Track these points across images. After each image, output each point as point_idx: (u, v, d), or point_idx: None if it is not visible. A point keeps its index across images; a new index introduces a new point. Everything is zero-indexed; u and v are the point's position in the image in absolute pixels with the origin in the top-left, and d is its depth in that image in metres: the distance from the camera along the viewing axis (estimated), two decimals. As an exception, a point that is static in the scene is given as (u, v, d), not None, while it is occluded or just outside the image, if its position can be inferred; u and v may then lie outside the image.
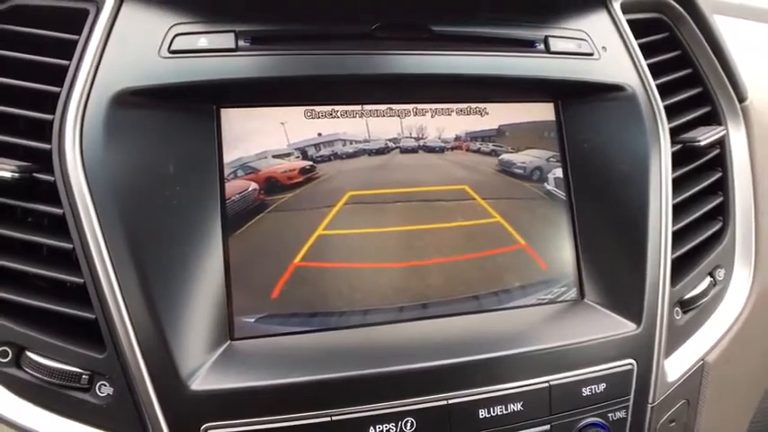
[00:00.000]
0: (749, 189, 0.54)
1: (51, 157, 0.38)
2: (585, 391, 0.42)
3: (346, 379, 0.38)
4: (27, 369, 0.37)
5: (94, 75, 0.38)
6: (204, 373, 0.37)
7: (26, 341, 0.37)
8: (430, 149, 0.45)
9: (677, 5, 0.53)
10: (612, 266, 0.46)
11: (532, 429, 0.41)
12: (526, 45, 0.46)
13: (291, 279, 0.41)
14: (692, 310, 0.48)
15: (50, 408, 0.37)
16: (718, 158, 0.54)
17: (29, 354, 0.37)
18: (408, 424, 0.38)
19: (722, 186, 0.53)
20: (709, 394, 0.47)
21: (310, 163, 0.43)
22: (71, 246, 0.37)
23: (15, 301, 0.37)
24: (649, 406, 0.44)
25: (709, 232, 0.51)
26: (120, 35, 0.39)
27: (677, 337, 0.47)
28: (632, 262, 0.45)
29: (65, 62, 0.39)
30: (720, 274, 0.51)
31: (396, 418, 0.38)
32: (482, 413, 0.39)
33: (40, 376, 0.37)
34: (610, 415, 0.42)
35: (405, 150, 0.44)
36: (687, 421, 0.46)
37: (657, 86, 0.49)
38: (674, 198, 0.47)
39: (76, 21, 0.40)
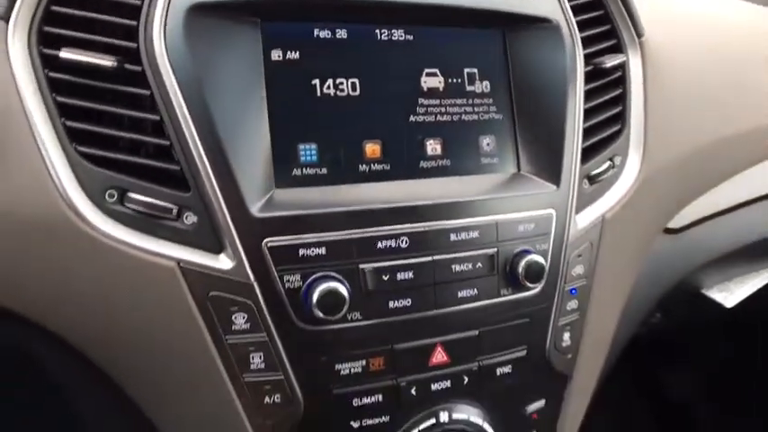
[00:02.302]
0: (641, 102, 0.72)
1: (138, 53, 0.51)
2: (521, 228, 0.60)
3: (362, 210, 0.54)
4: (129, 205, 0.50)
5: None
6: (262, 206, 0.52)
7: (128, 185, 0.50)
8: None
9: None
10: (540, 150, 0.64)
11: (485, 251, 0.58)
12: None
13: (318, 148, 0.57)
14: (596, 183, 0.66)
15: (149, 232, 0.50)
16: (620, 79, 0.72)
17: (130, 194, 0.49)
18: (404, 241, 0.55)
19: (622, 99, 0.72)
20: (606, 240, 0.66)
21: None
22: (158, 117, 0.51)
23: (119, 159, 0.50)
24: (564, 243, 0.63)
25: (611, 131, 0.69)
26: None
27: (585, 200, 0.65)
28: (554, 147, 0.63)
29: None
30: (618, 160, 0.69)
31: (395, 236, 0.55)
32: (452, 236, 0.57)
33: (139, 209, 0.50)
34: (537, 245, 0.60)
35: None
36: (590, 258, 0.65)
37: (577, 22, 0.66)
38: (585, 105, 0.66)
39: None
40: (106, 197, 0.50)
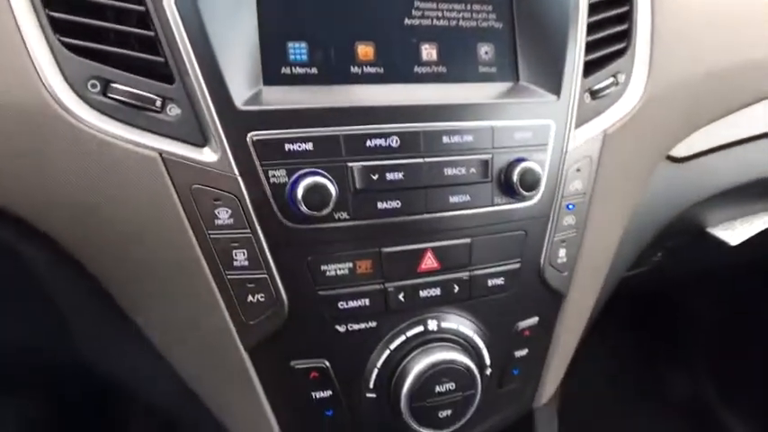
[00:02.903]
0: (648, 21, 0.69)
1: None
2: (517, 135, 0.58)
3: (351, 107, 0.52)
4: (112, 95, 0.48)
5: None
6: (247, 99, 0.50)
7: (112, 76, 0.48)
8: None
9: None
10: (541, 61, 0.61)
11: (479, 156, 0.56)
12: None
13: (306, 45, 0.55)
14: (598, 98, 0.64)
15: (131, 123, 0.49)
16: None
17: (113, 85, 0.48)
18: (394, 140, 0.54)
19: (628, 17, 0.69)
20: (607, 156, 0.63)
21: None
22: (143, 8, 0.49)
23: (103, 50, 0.48)
24: (562, 155, 0.61)
25: (615, 48, 0.67)
26: None
27: (586, 114, 0.63)
28: (555, 58, 0.61)
29: None
30: (622, 77, 0.67)
31: (385, 135, 0.53)
32: (445, 138, 0.55)
33: (122, 99, 0.48)
34: (534, 155, 0.59)
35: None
36: (589, 173, 0.63)
37: None
38: (589, 18, 0.63)
39: None
40: (89, 87, 0.49)
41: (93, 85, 0.49)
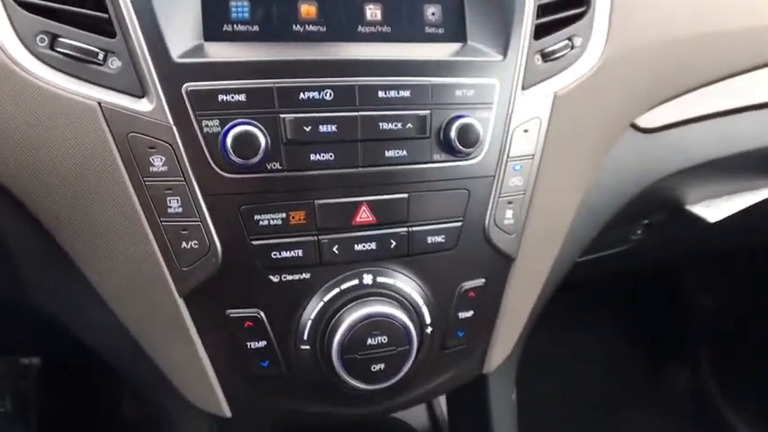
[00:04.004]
0: None
1: None
2: (458, 93, 0.58)
3: (285, 60, 0.53)
4: (58, 49, 0.51)
5: None
6: (184, 53, 0.52)
7: (58, 30, 0.51)
8: None
9: None
10: (489, 21, 0.61)
11: (417, 111, 0.56)
12: None
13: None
14: (550, 61, 0.63)
15: (75, 75, 0.51)
16: None
17: (60, 39, 0.51)
18: (327, 93, 0.54)
19: None
20: (558, 119, 0.63)
21: None
22: None
23: (52, 7, 0.51)
24: (508, 114, 0.60)
25: (573, 12, 0.66)
26: None
27: (537, 76, 0.62)
28: (503, 17, 0.60)
29: None
30: (578, 41, 0.66)
31: (319, 88, 0.54)
32: (380, 93, 0.55)
33: (67, 52, 0.51)
34: (476, 113, 0.59)
35: None
36: (538, 135, 0.62)
37: None
38: None
39: None
40: (37, 41, 0.51)
41: (42, 40, 0.51)
